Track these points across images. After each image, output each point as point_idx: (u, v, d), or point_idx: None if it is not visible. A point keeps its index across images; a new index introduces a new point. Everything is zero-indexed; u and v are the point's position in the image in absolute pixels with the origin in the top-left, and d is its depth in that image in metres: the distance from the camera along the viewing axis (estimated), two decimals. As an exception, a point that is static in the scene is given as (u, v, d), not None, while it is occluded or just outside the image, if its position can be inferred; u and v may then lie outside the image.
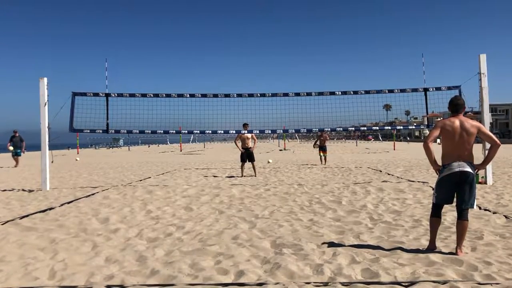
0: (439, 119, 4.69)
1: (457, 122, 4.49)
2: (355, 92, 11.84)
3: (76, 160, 26.34)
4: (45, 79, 10.71)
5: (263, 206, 7.67)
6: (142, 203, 8.10)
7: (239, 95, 11.85)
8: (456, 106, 4.61)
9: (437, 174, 4.62)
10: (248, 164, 13.64)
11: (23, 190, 10.60)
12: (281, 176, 13.51)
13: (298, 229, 5.70)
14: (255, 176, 13.31)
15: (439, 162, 4.60)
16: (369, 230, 5.65)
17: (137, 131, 12.01)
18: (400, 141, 73.87)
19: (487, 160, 4.68)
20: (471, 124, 4.49)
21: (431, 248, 4.60)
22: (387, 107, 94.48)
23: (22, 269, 4.13)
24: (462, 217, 4.46)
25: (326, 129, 12.59)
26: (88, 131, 11.55)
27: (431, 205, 4.80)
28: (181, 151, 41.44)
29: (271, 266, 4.12)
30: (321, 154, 18.28)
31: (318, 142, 18.52)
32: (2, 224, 6.21)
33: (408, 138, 79.10)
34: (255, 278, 3.80)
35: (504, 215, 6.33)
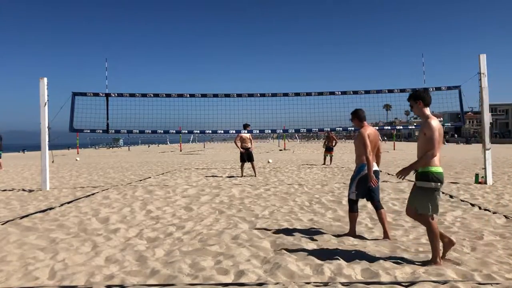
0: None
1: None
2: (355, 92, 11.84)
3: (76, 160, 26.34)
4: (45, 79, 10.71)
5: (263, 206, 7.67)
6: (142, 203, 8.10)
7: (239, 95, 11.85)
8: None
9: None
10: (248, 164, 13.64)
11: (23, 190, 10.60)
12: (281, 176, 13.51)
13: (298, 229, 5.70)
14: (255, 176, 13.30)
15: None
16: (369, 230, 5.65)
17: (137, 131, 12.02)
18: (400, 141, 73.82)
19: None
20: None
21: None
22: (387, 107, 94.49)
23: (22, 269, 4.13)
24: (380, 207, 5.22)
25: (326, 128, 12.58)
26: (88, 131, 11.55)
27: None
28: (181, 151, 41.43)
29: (271, 266, 4.11)
30: (327, 154, 18.18)
31: (326, 143, 18.34)
32: (2, 224, 6.21)
33: (382, 138, 77.07)
34: (255, 278, 3.80)
35: (504, 215, 6.33)
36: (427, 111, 4.14)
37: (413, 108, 4.22)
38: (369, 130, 5.19)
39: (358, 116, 5.35)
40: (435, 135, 3.93)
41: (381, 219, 5.17)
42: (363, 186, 5.12)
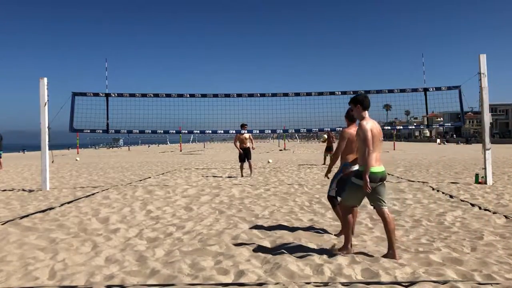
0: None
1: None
2: (355, 92, 11.83)
3: (76, 160, 26.35)
4: (45, 79, 10.71)
5: (263, 206, 7.67)
6: (142, 203, 8.10)
7: (239, 95, 11.86)
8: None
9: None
10: (247, 164, 13.63)
11: (23, 190, 10.60)
12: (281, 176, 13.50)
13: (298, 229, 5.70)
14: (250, 175, 13.29)
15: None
16: (369, 230, 5.65)
17: (137, 131, 12.02)
18: (401, 140, 73.85)
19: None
20: None
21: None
22: (387, 107, 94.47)
23: (22, 269, 4.13)
24: None
25: (326, 129, 12.58)
26: (88, 131, 11.55)
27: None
28: (181, 151, 41.46)
29: (271, 266, 4.11)
30: (327, 154, 18.12)
31: (326, 143, 18.27)
32: (2, 224, 6.21)
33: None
34: (255, 278, 3.80)
35: (504, 215, 6.32)
36: (365, 114, 4.47)
37: (353, 111, 4.62)
38: (353, 131, 5.21)
39: (348, 116, 5.38)
40: (367, 135, 4.23)
41: (338, 214, 5.38)
42: (343, 185, 5.15)
